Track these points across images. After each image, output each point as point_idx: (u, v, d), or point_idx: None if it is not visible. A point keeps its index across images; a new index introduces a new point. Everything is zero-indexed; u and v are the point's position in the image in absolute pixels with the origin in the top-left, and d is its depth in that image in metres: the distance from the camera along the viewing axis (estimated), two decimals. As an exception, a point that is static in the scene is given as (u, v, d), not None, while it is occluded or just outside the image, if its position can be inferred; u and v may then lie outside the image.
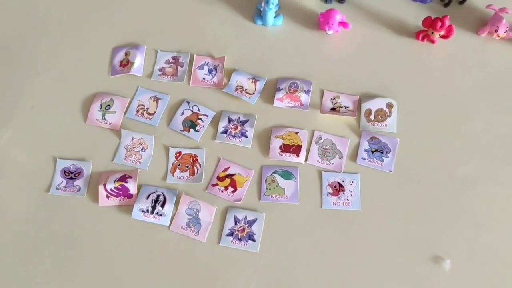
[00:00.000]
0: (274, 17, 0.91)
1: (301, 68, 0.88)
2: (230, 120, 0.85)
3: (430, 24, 0.86)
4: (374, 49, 0.90)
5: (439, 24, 0.84)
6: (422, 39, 0.89)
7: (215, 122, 0.85)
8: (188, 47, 0.91)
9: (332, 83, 0.87)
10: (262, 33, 0.91)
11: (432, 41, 0.88)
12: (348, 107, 0.85)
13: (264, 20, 0.90)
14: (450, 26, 0.85)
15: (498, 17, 0.87)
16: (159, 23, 0.93)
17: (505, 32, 0.87)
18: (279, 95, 0.86)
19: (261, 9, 0.90)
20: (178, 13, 0.93)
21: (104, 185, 0.79)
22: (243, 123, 0.84)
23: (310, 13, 0.92)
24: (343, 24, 0.88)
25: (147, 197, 0.79)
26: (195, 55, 0.90)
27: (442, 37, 0.87)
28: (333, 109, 0.85)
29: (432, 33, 0.86)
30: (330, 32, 0.89)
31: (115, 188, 0.80)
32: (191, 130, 0.84)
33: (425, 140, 0.83)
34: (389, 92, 0.86)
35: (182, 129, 0.84)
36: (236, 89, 0.87)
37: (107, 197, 0.80)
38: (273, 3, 0.88)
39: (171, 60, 0.90)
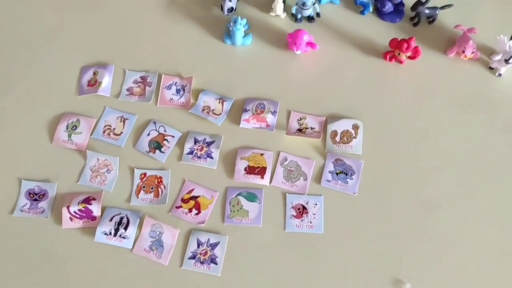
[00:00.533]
0: (243, 37, 0.91)
1: (269, 88, 0.88)
2: (196, 141, 0.85)
3: (396, 45, 0.86)
4: (343, 69, 0.90)
5: (405, 45, 0.84)
6: (390, 60, 0.89)
7: (181, 143, 0.85)
8: (156, 67, 0.91)
9: (299, 103, 0.87)
10: (231, 52, 0.91)
11: (400, 62, 0.88)
12: (314, 128, 0.85)
13: (233, 40, 0.90)
14: (416, 47, 0.85)
15: (465, 38, 0.87)
16: (128, 42, 0.93)
17: (472, 53, 0.86)
18: (245, 116, 0.86)
19: (230, 29, 0.90)
20: (148, 33, 0.93)
21: (68, 207, 0.79)
22: (209, 144, 0.84)
23: (280, 32, 0.92)
24: (310, 44, 0.88)
25: (111, 220, 0.79)
26: (163, 75, 0.90)
27: (409, 57, 0.87)
28: (300, 130, 0.85)
29: (399, 54, 0.86)
30: (298, 52, 0.89)
31: (79, 210, 0.80)
32: (157, 151, 0.84)
33: (390, 161, 0.83)
34: (355, 113, 0.86)
35: (148, 150, 0.84)
36: (203, 110, 0.87)
37: (71, 219, 0.80)
38: (240, 23, 0.88)
39: (139, 79, 0.90)
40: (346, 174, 0.82)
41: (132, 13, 0.95)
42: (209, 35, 0.93)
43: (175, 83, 0.89)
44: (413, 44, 0.84)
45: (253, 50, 0.92)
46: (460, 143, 0.84)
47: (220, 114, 0.86)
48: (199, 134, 0.85)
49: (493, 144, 0.83)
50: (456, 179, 0.81)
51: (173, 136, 0.85)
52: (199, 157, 0.84)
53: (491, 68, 0.88)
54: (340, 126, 0.85)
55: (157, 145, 0.85)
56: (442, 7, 0.89)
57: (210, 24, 0.93)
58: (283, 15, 0.93)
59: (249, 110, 0.86)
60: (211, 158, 0.84)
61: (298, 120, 0.86)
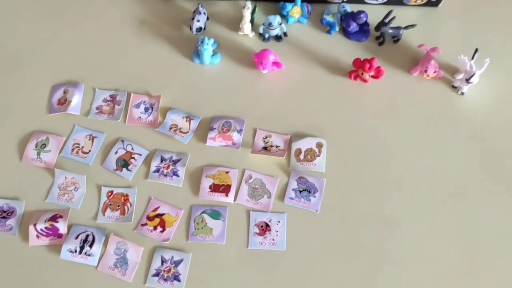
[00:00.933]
0: (212, 56, 0.93)
1: (236, 106, 0.90)
2: (162, 159, 0.86)
3: (359, 65, 0.87)
4: (308, 87, 0.91)
5: (368, 65, 0.86)
6: (355, 79, 0.90)
7: (148, 161, 0.86)
8: (126, 85, 0.92)
9: (265, 121, 0.89)
10: (200, 71, 0.93)
11: (364, 81, 0.90)
12: (279, 146, 0.87)
13: (201, 59, 0.92)
14: (378, 67, 0.87)
15: (428, 57, 0.89)
16: (99, 61, 0.94)
17: (434, 72, 0.88)
18: (211, 134, 0.87)
19: (199, 48, 0.92)
20: (119, 51, 0.95)
21: (35, 225, 0.81)
22: (175, 162, 0.86)
23: (248, 51, 0.94)
24: (276, 64, 0.89)
25: (76, 237, 0.81)
26: (132, 94, 0.91)
27: (373, 77, 0.89)
28: (265, 148, 0.87)
29: (362, 73, 0.88)
30: (265, 71, 0.91)
31: (45, 228, 0.81)
32: (124, 169, 0.86)
33: (352, 179, 0.84)
34: (320, 131, 0.88)
35: (115, 168, 0.86)
36: (171, 128, 0.88)
37: (37, 236, 0.81)
38: (208, 43, 0.90)
39: (108, 98, 0.91)
40: (309, 192, 0.83)
41: (104, 32, 0.96)
42: (178, 54, 0.94)
43: (144, 102, 0.91)
44: (375, 64, 0.86)
45: (221, 69, 0.93)
46: (422, 161, 0.85)
47: (187, 132, 0.88)
48: (166, 152, 0.87)
49: (455, 162, 0.85)
50: (417, 196, 0.83)
51: (140, 154, 0.87)
52: (165, 175, 0.85)
53: (454, 87, 0.90)
54: (304, 144, 0.86)
55: (124, 163, 0.86)
56: (406, 27, 0.91)
57: (179, 43, 0.95)
58: (251, 34, 0.95)
59: (215, 128, 0.88)
60: (177, 176, 0.85)
61: (263, 138, 0.88)
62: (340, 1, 0.95)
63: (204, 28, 0.95)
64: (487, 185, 0.83)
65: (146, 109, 0.90)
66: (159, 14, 0.97)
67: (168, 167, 0.85)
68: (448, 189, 0.83)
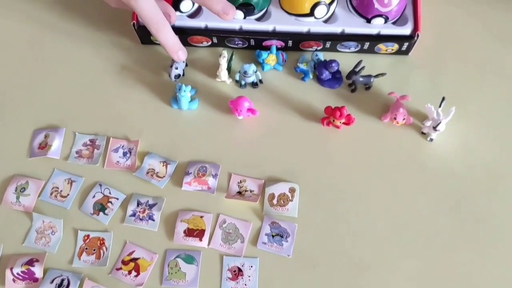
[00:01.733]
0: (190, 102, 0.96)
1: (212, 151, 0.93)
2: (139, 204, 0.88)
3: (330, 112, 0.90)
4: (283, 133, 0.94)
5: (338, 113, 0.89)
6: (327, 125, 0.93)
7: (125, 205, 0.88)
8: (105, 130, 0.95)
9: (240, 166, 0.91)
10: (178, 117, 0.96)
11: (337, 127, 0.93)
12: (253, 191, 0.89)
13: (179, 105, 0.95)
14: (349, 115, 0.90)
15: (398, 105, 0.92)
16: (80, 105, 0.97)
17: (403, 119, 0.91)
18: (187, 179, 0.90)
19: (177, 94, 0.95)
20: (99, 96, 0.98)
21: (11, 268, 0.82)
22: (151, 206, 0.88)
23: (225, 97, 0.97)
24: (251, 111, 0.92)
25: (52, 281, 0.82)
26: (111, 138, 0.94)
27: (344, 123, 0.92)
28: (239, 192, 0.89)
29: (334, 120, 0.91)
30: (241, 117, 0.94)
31: (22, 272, 0.82)
32: (101, 213, 0.88)
33: (323, 224, 0.86)
34: (293, 176, 0.90)
35: (92, 212, 0.88)
36: (148, 172, 0.90)
37: (14, 281, 0.82)
38: (185, 90, 0.93)
39: (88, 142, 0.94)
40: (282, 237, 0.85)
41: (86, 78, 0.99)
42: (157, 100, 0.97)
43: (122, 146, 0.93)
44: (346, 112, 0.89)
45: (199, 115, 0.96)
46: (392, 206, 0.88)
47: (164, 176, 0.90)
48: (143, 196, 0.89)
49: (424, 208, 0.87)
50: (387, 241, 0.85)
51: (117, 198, 0.89)
52: (141, 219, 0.87)
53: (423, 133, 0.93)
54: (277, 189, 0.89)
55: (101, 207, 0.88)
56: (376, 76, 0.94)
57: (159, 89, 0.98)
58: (229, 81, 0.98)
59: (191, 173, 0.90)
60: (153, 220, 0.87)
61: (238, 183, 0.90)
62: (314, 50, 0.99)
63: (183, 75, 0.98)
64: (455, 231, 0.86)
65: (124, 154, 0.93)
66: (140, 61, 1.00)
67: (144, 211, 0.87)
68: (417, 234, 0.85)
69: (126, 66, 1.00)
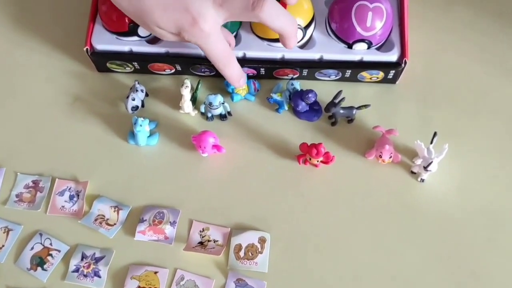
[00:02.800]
0: (148, 137, 0.84)
1: (171, 194, 0.81)
2: (83, 257, 0.76)
3: (306, 150, 0.79)
4: (253, 172, 0.83)
5: (315, 151, 0.77)
6: (304, 163, 0.82)
7: (67, 258, 0.76)
8: (51, 170, 0.83)
9: (203, 212, 0.80)
10: (134, 154, 0.85)
11: (314, 166, 0.82)
12: (217, 241, 0.77)
13: (136, 141, 0.84)
14: (327, 153, 0.79)
15: (383, 141, 0.81)
16: (24, 142, 0.86)
17: (390, 157, 0.80)
18: (141, 227, 0.78)
19: (135, 128, 0.84)
20: (46, 131, 0.87)
21: None
22: (97, 260, 0.76)
23: (189, 131, 0.85)
24: (216, 147, 0.81)
25: None
26: (57, 179, 0.82)
27: (323, 162, 0.80)
28: (201, 243, 0.77)
29: (310, 159, 0.80)
30: (205, 155, 0.82)
31: None
32: (39, 268, 0.75)
33: (298, 280, 0.74)
34: (264, 223, 0.78)
35: (29, 267, 0.75)
36: (96, 220, 0.79)
37: None
38: (141, 125, 0.82)
39: (31, 184, 0.82)
40: (249, 296, 0.73)
41: (34, 109, 0.88)
42: (112, 135, 0.86)
43: (69, 189, 0.81)
44: (323, 150, 0.78)
45: (158, 151, 0.85)
46: (377, 257, 0.76)
47: (115, 224, 0.78)
48: (89, 248, 0.77)
49: (412, 257, 0.75)
50: (372, 302, 0.73)
51: (59, 251, 0.77)
52: (85, 276, 0.75)
53: (413, 173, 0.82)
54: (245, 239, 0.77)
55: (40, 261, 0.76)
56: (359, 107, 0.83)
57: (115, 122, 0.87)
58: (194, 113, 0.87)
59: (146, 220, 0.78)
60: (99, 277, 0.74)
61: (200, 231, 0.78)
62: (290, 78, 0.88)
63: (142, 106, 0.87)
64: (448, 286, 0.73)
65: (71, 197, 0.81)
66: (95, 91, 0.89)
67: (89, 266, 0.75)
68: (401, 284, 0.73)
69: (79, 97, 0.89)
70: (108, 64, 0.88)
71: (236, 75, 0.80)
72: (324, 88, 0.86)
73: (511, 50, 0.90)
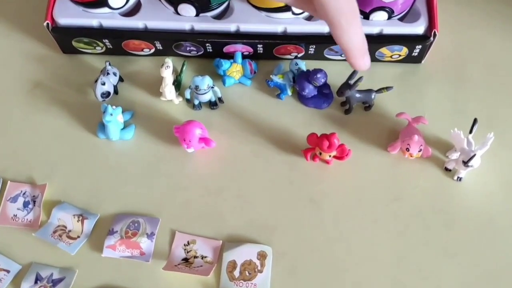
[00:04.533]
0: (122, 129, 0.69)
1: (148, 199, 0.66)
2: (38, 279, 0.61)
3: (315, 142, 0.64)
4: (250, 172, 0.67)
5: (326, 143, 0.62)
6: (313, 159, 0.67)
7: (18, 280, 0.61)
8: (3, 170, 0.68)
9: (188, 220, 0.64)
10: (105, 150, 0.69)
11: (326, 162, 0.66)
12: (206, 256, 0.62)
13: (106, 134, 0.69)
14: (341, 145, 0.63)
15: (410, 130, 0.66)
16: (-28, 137, 0.71)
17: (419, 150, 0.65)
18: (110, 240, 0.62)
19: (105, 119, 0.69)
20: (0, 125, 0.72)
21: None
22: (55, 283, 0.60)
23: (171, 122, 0.70)
24: (204, 140, 0.66)
25: None
26: (9, 182, 0.67)
27: (336, 157, 0.65)
28: (186, 259, 0.62)
29: (321, 153, 0.64)
30: (191, 150, 0.67)
31: None
32: (-18, 294, 0.60)
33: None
34: (264, 235, 0.63)
35: (-31, 293, 0.61)
36: (55, 231, 0.63)
37: None
38: (112, 114, 0.66)
39: (-23, 188, 0.67)
40: (245, 328, 0.58)
41: (-17, 99, 0.73)
42: (78, 128, 0.71)
43: (24, 193, 0.66)
44: (337, 142, 0.62)
45: (134, 147, 0.70)
46: (404, 276, 0.60)
47: (78, 237, 0.63)
48: (45, 267, 0.62)
49: (447, 278, 0.60)
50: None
51: (8, 271, 0.62)
52: (39, 303, 0.60)
53: (447, 170, 0.66)
54: (241, 254, 0.61)
55: (-17, 284, 0.61)
56: (378, 91, 0.68)
57: (82, 112, 0.72)
58: (177, 101, 0.72)
59: (117, 231, 0.63)
60: (56, 304, 0.59)
61: (185, 245, 0.63)
62: (293, 57, 0.73)
63: (116, 93, 0.72)
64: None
65: (25, 204, 0.66)
66: (60, 75, 0.75)
67: (44, 290, 0.60)
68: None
69: (40, 83, 0.74)
70: (74, 43, 0.73)
71: (361, 45, 0.55)
72: (334, 69, 0.71)
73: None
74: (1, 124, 0.72)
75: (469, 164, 0.61)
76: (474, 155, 0.60)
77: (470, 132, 0.63)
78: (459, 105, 0.71)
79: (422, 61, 0.74)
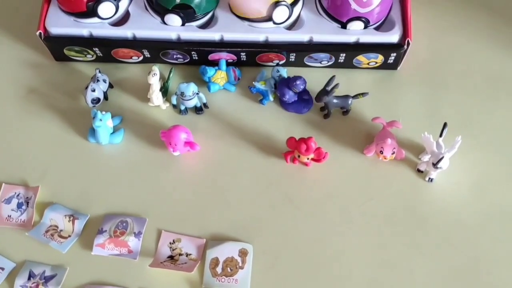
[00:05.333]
0: (112, 134, 0.73)
1: (136, 200, 0.69)
2: (31, 276, 0.64)
3: (294, 146, 0.68)
4: (232, 174, 0.71)
5: (304, 147, 0.66)
6: (292, 161, 0.70)
7: (12, 278, 0.64)
8: (-2, 173, 0.72)
9: (174, 220, 0.68)
10: (95, 154, 0.73)
11: (304, 164, 0.70)
12: (190, 254, 0.65)
13: (96, 138, 0.72)
14: (318, 149, 0.67)
15: (384, 134, 0.69)
16: (-32, 141, 0.74)
17: (392, 153, 0.68)
18: (100, 239, 0.66)
19: (95, 124, 0.72)
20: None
21: None
22: (47, 279, 0.64)
23: (159, 127, 0.73)
24: (189, 144, 0.69)
25: None
26: (3, 184, 0.70)
27: (314, 160, 0.69)
28: (171, 257, 0.65)
29: (299, 156, 0.68)
30: (177, 153, 0.71)
31: None
32: (-22, 290, 0.64)
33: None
34: (245, 233, 0.67)
35: (-34, 290, 0.64)
36: (48, 231, 0.67)
37: None
38: (101, 119, 0.70)
39: (-28, 190, 0.70)
40: (227, 321, 0.61)
41: (-21, 105, 0.77)
42: (70, 132, 0.74)
43: (18, 195, 0.70)
44: (314, 145, 0.66)
45: (123, 151, 0.73)
46: (378, 272, 0.64)
47: (69, 236, 0.66)
48: (38, 265, 0.65)
49: (419, 274, 0.64)
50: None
51: (3, 269, 0.65)
52: (32, 298, 0.63)
53: (419, 171, 0.70)
54: (223, 251, 0.65)
55: (-21, 281, 0.64)
56: (355, 96, 0.72)
57: (74, 118, 0.75)
58: (165, 106, 0.75)
59: (106, 231, 0.66)
60: (48, 299, 0.63)
61: (170, 243, 0.66)
62: (275, 64, 0.77)
63: (106, 99, 0.76)
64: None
65: (19, 205, 0.69)
66: (53, 82, 0.78)
67: (37, 286, 0.63)
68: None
69: (33, 89, 0.78)
70: (66, 51, 0.76)
71: None
72: (314, 76, 0.75)
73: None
74: (-4, 128, 0.75)
75: (438, 166, 0.65)
76: (443, 157, 0.64)
77: (440, 135, 0.67)
78: (433, 110, 0.74)
79: (398, 68, 0.77)
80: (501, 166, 0.70)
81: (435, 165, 0.65)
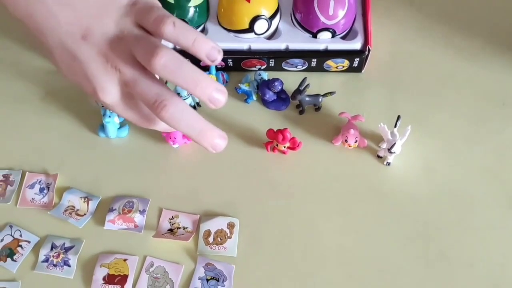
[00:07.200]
0: (119, 129, 0.85)
1: (141, 184, 0.82)
2: (53, 247, 0.76)
3: (272, 136, 0.80)
4: (222, 161, 0.83)
5: (281, 136, 0.79)
6: (272, 150, 0.83)
7: (37, 249, 0.76)
8: (21, 164, 0.84)
9: (172, 200, 0.80)
10: (105, 146, 0.85)
11: (283, 152, 0.83)
12: (186, 227, 0.78)
13: (106, 133, 0.85)
14: (293, 138, 0.80)
15: (349, 126, 0.82)
16: (-5, 137, 0.87)
17: (355, 142, 0.81)
18: (110, 216, 0.78)
19: (104, 121, 0.85)
20: (18, 127, 0.87)
21: None
22: (67, 250, 0.76)
23: (159, 123, 0.86)
24: (186, 137, 0.82)
25: None
26: (27, 173, 0.83)
27: (290, 148, 0.82)
28: (171, 230, 0.78)
29: (277, 145, 0.81)
30: (176, 146, 0.83)
31: None
32: (8, 259, 0.75)
33: (267, 264, 0.75)
34: (233, 209, 0.79)
35: (-1, 259, 0.76)
36: (66, 210, 0.79)
37: None
38: (110, 116, 0.83)
39: (1, 178, 0.82)
40: (218, 280, 0.73)
41: (2, 106, 0.89)
42: (83, 128, 0.87)
43: (40, 181, 0.82)
44: (289, 135, 0.79)
45: (128, 143, 0.86)
46: (345, 241, 0.77)
47: (84, 214, 0.79)
48: (59, 238, 0.77)
49: (381, 241, 0.76)
50: (340, 283, 0.73)
51: (29, 242, 0.77)
52: (55, 265, 0.75)
53: (379, 157, 0.83)
54: (214, 225, 0.77)
55: (9, 252, 0.76)
56: (325, 95, 0.85)
57: (85, 116, 0.88)
58: (163, 105, 0.88)
59: (115, 209, 0.79)
60: (68, 266, 0.75)
61: (169, 219, 0.79)
62: (257, 69, 0.90)
63: (113, 100, 0.88)
64: (417, 266, 0.74)
65: (41, 190, 0.81)
66: (66, 86, 0.90)
67: (58, 255, 0.75)
68: (376, 272, 0.74)
69: (51, 91, 0.90)
70: (78, 60, 0.89)
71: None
72: (291, 78, 0.88)
73: (474, 38, 0.93)
74: (19, 126, 0.87)
75: (392, 150, 0.78)
76: (395, 143, 0.77)
77: (395, 126, 0.80)
78: (392, 106, 0.87)
79: (362, 71, 0.90)
80: (446, 151, 0.83)
81: (389, 150, 0.78)
